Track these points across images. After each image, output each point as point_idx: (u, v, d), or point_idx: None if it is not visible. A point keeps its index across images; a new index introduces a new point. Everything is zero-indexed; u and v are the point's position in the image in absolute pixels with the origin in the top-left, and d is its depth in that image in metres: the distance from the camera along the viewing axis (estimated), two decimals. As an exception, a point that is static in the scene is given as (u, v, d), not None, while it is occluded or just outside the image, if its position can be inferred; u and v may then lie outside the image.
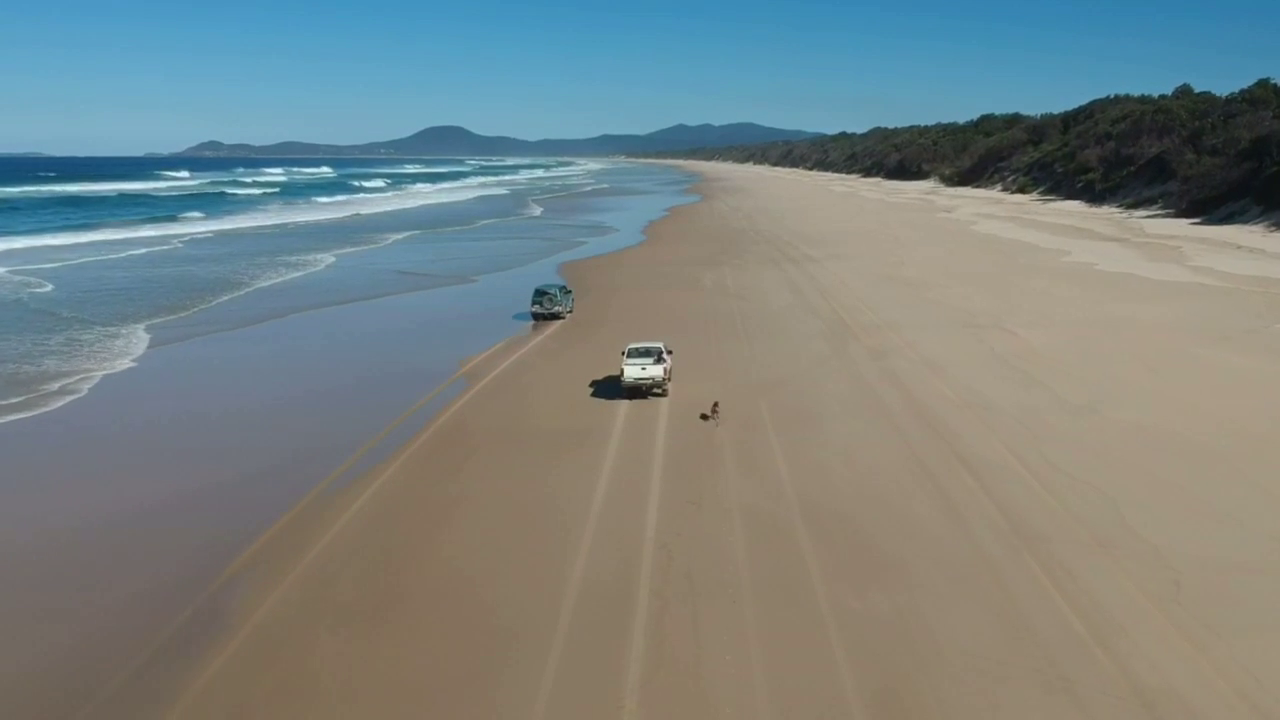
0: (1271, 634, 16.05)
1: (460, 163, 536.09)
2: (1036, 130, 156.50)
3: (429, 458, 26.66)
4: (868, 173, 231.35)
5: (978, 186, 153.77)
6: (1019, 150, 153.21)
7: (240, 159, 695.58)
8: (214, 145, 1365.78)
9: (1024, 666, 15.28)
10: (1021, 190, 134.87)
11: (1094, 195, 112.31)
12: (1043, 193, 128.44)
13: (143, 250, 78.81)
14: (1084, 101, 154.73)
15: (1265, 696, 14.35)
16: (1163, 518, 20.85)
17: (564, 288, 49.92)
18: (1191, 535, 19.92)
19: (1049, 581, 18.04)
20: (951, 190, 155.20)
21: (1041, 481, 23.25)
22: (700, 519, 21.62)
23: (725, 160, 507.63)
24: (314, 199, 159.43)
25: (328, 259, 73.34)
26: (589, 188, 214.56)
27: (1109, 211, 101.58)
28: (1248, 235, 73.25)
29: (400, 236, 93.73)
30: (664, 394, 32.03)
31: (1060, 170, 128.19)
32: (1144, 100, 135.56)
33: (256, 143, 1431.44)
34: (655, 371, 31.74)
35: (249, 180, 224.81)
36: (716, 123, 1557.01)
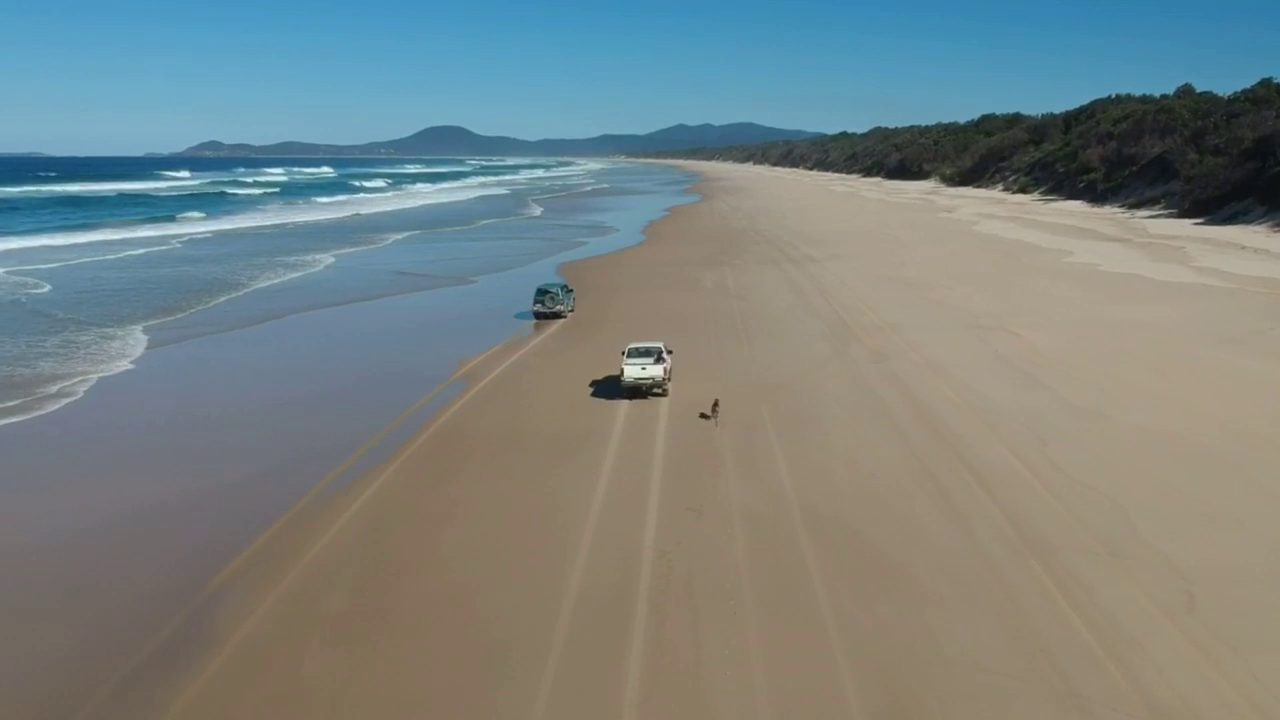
0: (1288, 647, 15.62)
1: (460, 163, 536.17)
2: (1038, 130, 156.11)
3: (426, 461, 26.25)
4: (868, 173, 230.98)
5: (979, 186, 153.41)
6: (1020, 150, 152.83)
7: (240, 159, 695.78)
8: (214, 145, 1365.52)
9: (1036, 682, 14.83)
10: (1023, 190, 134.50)
11: (1096, 195, 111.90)
12: (1044, 193, 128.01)
13: (141, 251, 78.45)
14: (1085, 101, 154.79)
15: (1283, 713, 13.93)
16: (1172, 525, 20.42)
17: (566, 286, 50.01)
18: (1202, 543, 19.49)
19: (1059, 592, 17.59)
20: (952, 190, 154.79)
21: (1048, 487, 22.82)
22: (700, 526, 21.19)
23: (725, 160, 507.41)
24: (314, 199, 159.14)
25: (327, 259, 72.94)
26: (589, 188, 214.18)
27: (1111, 211, 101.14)
28: (1252, 235, 72.83)
29: (400, 236, 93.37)
30: (664, 394, 31.86)
31: (1062, 170, 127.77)
32: (1146, 100, 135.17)
33: (256, 143, 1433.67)
34: (655, 371, 31.56)
35: (249, 180, 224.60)
36: (717, 123, 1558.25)
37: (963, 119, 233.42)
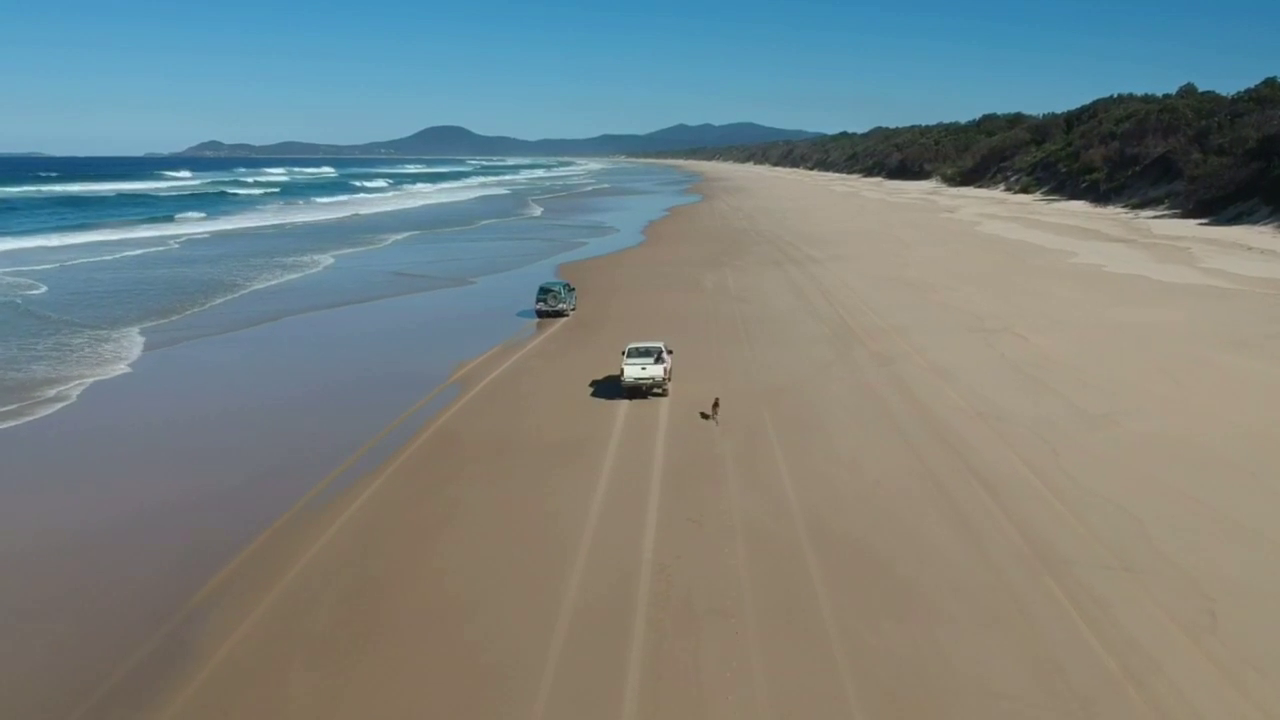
0: (1316, 669, 14.94)
1: (461, 163, 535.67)
2: (1039, 130, 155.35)
3: (420, 467, 25.56)
4: (869, 172, 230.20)
5: (980, 186, 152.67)
6: (1022, 150, 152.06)
7: (241, 159, 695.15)
8: (214, 145, 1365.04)
9: (1053, 708, 14.14)
10: (1025, 190, 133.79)
11: (1099, 195, 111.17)
12: (1046, 193, 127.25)
13: (139, 251, 77.73)
14: (1087, 101, 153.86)
15: (1314, 741, 13.26)
16: (1190, 538, 19.72)
17: (568, 285, 50.15)
18: (1222, 557, 18.80)
19: (1075, 611, 16.87)
20: (954, 190, 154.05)
21: (1060, 498, 22.12)
22: (701, 539, 20.50)
23: (726, 160, 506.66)
24: (314, 199, 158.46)
25: (326, 260, 72.27)
26: (589, 188, 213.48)
27: (1115, 212, 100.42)
28: (1257, 236, 72.14)
29: (400, 237, 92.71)
30: (664, 394, 31.47)
31: (1064, 170, 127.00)
32: (1148, 100, 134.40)
33: (257, 143, 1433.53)
34: (655, 371, 31.18)
35: (250, 180, 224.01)
36: (717, 123, 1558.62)
37: (964, 119, 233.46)
